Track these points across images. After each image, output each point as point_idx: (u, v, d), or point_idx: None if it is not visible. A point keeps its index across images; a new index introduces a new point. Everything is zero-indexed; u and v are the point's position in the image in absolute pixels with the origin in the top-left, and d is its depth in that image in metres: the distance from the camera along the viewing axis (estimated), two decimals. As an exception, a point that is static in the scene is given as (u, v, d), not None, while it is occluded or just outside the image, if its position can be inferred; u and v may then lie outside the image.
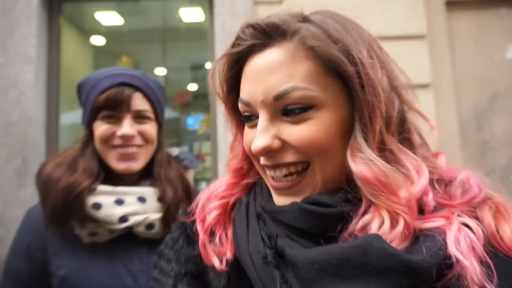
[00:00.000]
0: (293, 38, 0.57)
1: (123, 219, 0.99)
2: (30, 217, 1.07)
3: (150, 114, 1.08)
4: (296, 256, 0.52)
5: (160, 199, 1.05)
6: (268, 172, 0.61)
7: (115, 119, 1.03)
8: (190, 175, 1.20)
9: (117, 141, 1.03)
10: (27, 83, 2.40)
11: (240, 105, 0.62)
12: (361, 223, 0.53)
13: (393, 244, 0.50)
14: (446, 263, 0.49)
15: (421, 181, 0.54)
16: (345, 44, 0.56)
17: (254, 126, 0.60)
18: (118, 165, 1.03)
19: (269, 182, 0.62)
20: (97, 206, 0.99)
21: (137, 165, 1.04)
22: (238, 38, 0.61)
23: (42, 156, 2.47)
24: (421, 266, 0.48)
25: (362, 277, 0.48)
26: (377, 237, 0.50)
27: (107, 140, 1.03)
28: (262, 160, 0.60)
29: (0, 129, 2.40)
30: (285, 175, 0.59)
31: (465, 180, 0.58)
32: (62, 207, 0.97)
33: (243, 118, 0.64)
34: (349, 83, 0.56)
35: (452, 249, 0.49)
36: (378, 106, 0.55)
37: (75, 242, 1.01)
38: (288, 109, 0.57)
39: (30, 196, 2.31)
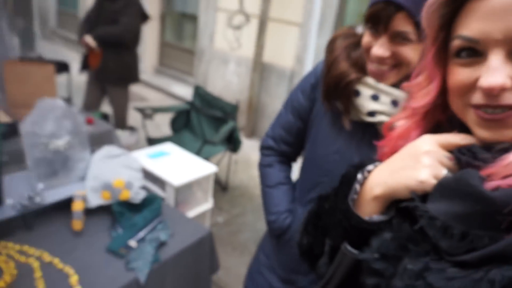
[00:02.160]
0: None
1: (371, 113, 1.04)
2: (318, 69, 1.19)
3: (412, 36, 1.00)
4: None
5: None
6: (480, 113, 0.59)
7: (376, 35, 1.02)
8: None
9: (372, 58, 1.02)
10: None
11: (457, 42, 0.60)
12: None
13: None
14: None
15: None
16: None
17: (469, 64, 0.59)
18: (369, 73, 1.05)
19: (475, 117, 0.60)
20: (357, 93, 1.05)
21: (384, 82, 1.04)
22: None
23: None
24: (493, 199, 0.50)
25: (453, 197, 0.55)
26: (470, 171, 0.53)
27: (367, 50, 1.03)
28: (478, 99, 0.59)
29: None
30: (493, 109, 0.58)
31: None
32: (333, 88, 1.07)
33: (454, 56, 0.62)
34: None
35: None
36: None
37: (331, 111, 1.12)
38: None
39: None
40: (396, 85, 1.05)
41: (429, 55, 0.67)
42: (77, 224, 1.36)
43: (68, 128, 1.42)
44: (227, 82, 5.14)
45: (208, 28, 5.58)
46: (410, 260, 0.59)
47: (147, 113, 3.37)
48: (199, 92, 3.72)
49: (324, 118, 1.18)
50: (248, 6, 4.94)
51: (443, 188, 0.58)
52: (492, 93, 0.56)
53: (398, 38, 0.99)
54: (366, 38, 1.03)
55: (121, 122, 3.91)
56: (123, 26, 3.47)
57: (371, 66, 1.03)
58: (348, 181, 0.75)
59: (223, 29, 5.33)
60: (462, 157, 0.60)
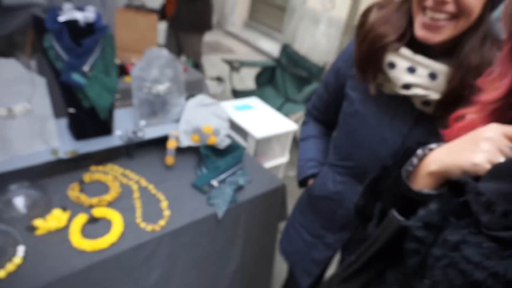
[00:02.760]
0: None
1: (406, 86, 1.01)
2: (350, 47, 1.19)
3: None
4: None
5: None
6: None
7: None
8: None
9: (429, 3, 0.93)
10: None
11: None
12: None
13: None
14: None
15: None
16: None
17: None
18: (418, 32, 0.97)
19: None
20: (392, 65, 1.01)
21: (436, 37, 0.95)
22: None
23: None
24: None
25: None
26: None
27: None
28: None
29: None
30: None
31: None
32: (367, 54, 1.04)
33: None
34: None
35: None
36: None
37: (363, 83, 1.11)
38: None
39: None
40: (436, 56, 0.98)
41: (505, 50, 0.66)
42: (170, 159, 1.57)
43: (169, 75, 1.59)
44: (315, 43, 5.09)
45: (303, -16, 5.48)
46: (450, 231, 0.60)
47: (234, 66, 3.52)
48: (287, 51, 3.76)
49: (357, 91, 1.17)
50: (346, -36, 4.74)
51: (495, 169, 0.59)
52: None
53: None
54: None
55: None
56: None
57: (423, 19, 0.94)
58: (407, 154, 0.77)
59: (317, -13, 5.20)
60: None
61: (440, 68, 0.96)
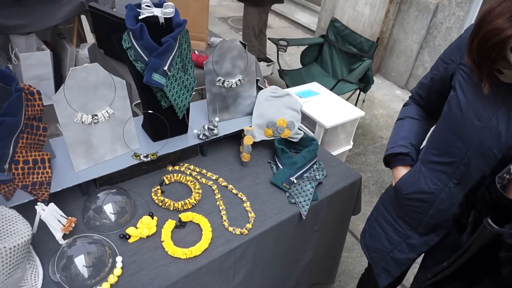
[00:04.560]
0: None
1: None
2: (465, 35, 1.11)
3: None
4: None
5: None
6: None
7: None
8: None
9: None
10: None
11: None
12: None
13: None
14: None
15: None
16: None
17: None
18: None
19: None
20: None
21: None
22: None
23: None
24: None
25: None
26: None
27: None
28: None
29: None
30: None
31: None
32: (481, 47, 0.96)
33: None
34: None
35: None
36: None
37: (475, 75, 1.04)
38: None
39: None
40: None
41: None
42: (246, 156, 1.51)
43: (241, 67, 1.52)
44: (358, 13, 4.85)
45: (343, -49, 5.19)
46: None
47: (281, 45, 3.40)
48: (335, 25, 3.59)
49: (468, 82, 1.09)
50: None
51: None
52: None
53: None
54: None
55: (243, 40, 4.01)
56: None
57: None
58: (506, 161, 0.75)
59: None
60: None
61: None
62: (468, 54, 1.01)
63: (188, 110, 1.45)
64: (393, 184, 1.33)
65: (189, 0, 2.44)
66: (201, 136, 1.47)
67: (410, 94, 1.42)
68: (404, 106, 1.43)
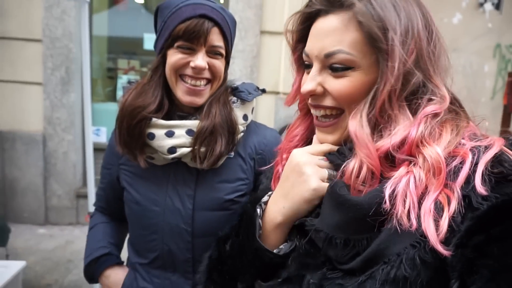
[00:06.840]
0: (348, 11, 0.68)
1: (171, 150, 1.06)
2: (112, 139, 1.18)
3: (222, 51, 1.08)
4: None
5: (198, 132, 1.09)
6: (312, 110, 0.76)
7: (190, 50, 1.04)
8: (248, 108, 1.18)
9: (188, 71, 1.05)
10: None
11: (303, 55, 0.75)
12: (348, 167, 0.67)
13: (360, 186, 0.64)
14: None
15: (393, 138, 0.64)
16: (385, 22, 0.65)
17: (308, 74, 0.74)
18: (184, 98, 1.07)
19: (314, 122, 0.77)
20: (151, 136, 1.06)
21: (201, 100, 1.08)
22: (310, 1, 0.73)
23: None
24: (360, 204, 0.61)
25: (331, 208, 0.65)
26: (338, 181, 0.66)
27: (179, 69, 1.05)
28: (309, 100, 0.75)
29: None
30: (323, 116, 0.74)
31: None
32: (127, 132, 1.07)
33: (304, 66, 0.76)
34: (379, 56, 0.66)
35: (386, 191, 0.59)
36: (389, 80, 0.64)
37: (135, 163, 1.11)
38: (333, 66, 0.69)
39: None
40: (185, 117, 1.11)
41: (293, 64, 0.84)
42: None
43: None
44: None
45: None
46: (311, 275, 0.65)
47: None
48: None
49: (133, 178, 1.16)
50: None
51: (325, 201, 0.68)
52: (306, 96, 0.75)
53: (212, 52, 1.06)
54: (177, 57, 1.04)
55: None
56: None
57: (185, 86, 1.06)
58: (249, 219, 0.77)
59: None
60: (332, 158, 0.73)
61: (193, 123, 1.08)
62: (120, 144, 1.09)
63: None
64: None
65: None
66: None
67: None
68: (91, 217, 1.35)
